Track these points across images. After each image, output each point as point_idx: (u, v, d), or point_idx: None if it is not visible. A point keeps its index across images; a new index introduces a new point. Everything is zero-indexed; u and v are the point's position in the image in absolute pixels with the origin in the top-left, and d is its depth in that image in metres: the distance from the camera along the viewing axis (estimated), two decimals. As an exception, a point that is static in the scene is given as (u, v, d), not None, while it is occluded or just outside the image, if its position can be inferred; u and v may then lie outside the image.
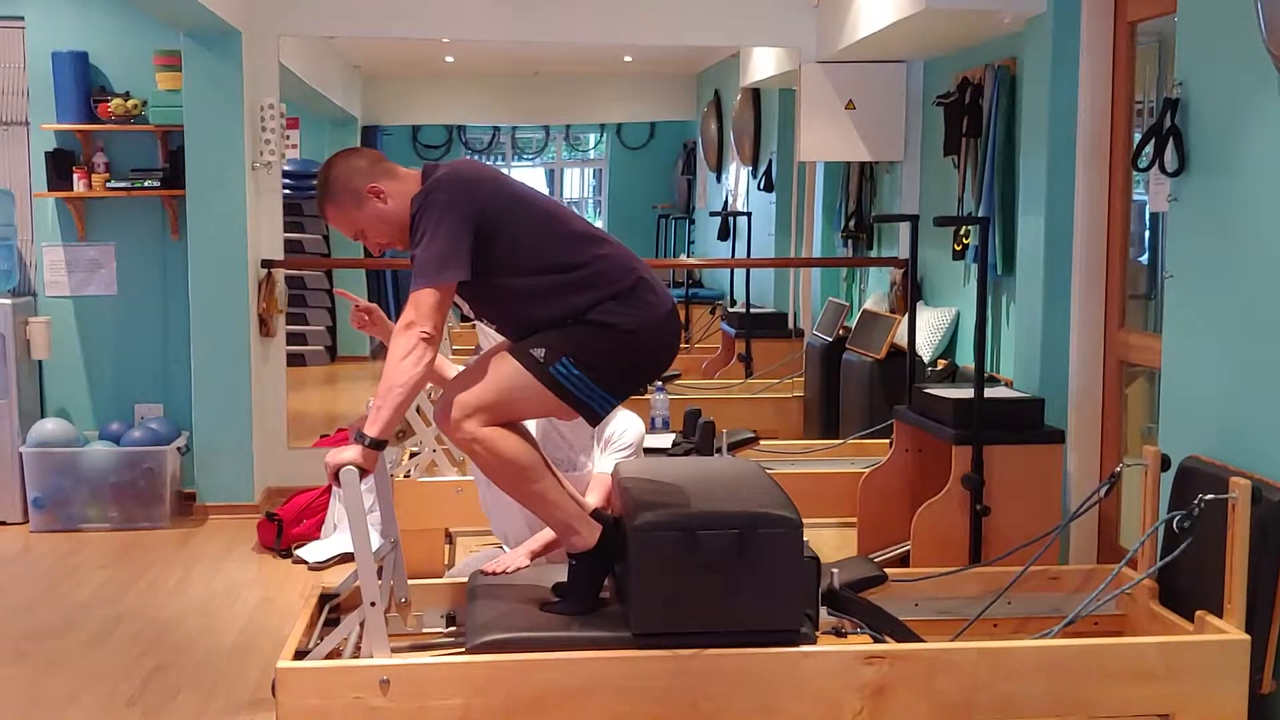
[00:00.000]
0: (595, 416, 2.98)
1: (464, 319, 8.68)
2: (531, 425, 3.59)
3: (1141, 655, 3.02)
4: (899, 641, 3.11)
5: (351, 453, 2.79)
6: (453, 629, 3.26)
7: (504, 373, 2.90)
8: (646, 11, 6.32)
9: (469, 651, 2.88)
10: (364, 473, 2.79)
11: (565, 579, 3.04)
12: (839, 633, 3.10)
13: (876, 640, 3.10)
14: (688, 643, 2.87)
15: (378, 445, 2.81)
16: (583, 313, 2.90)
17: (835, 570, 3.21)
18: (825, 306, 7.10)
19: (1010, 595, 3.54)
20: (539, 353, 2.88)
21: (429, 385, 4.10)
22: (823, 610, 3.08)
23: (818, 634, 3.00)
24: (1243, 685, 3.01)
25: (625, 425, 3.77)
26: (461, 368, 3.28)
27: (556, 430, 3.64)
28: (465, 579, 3.33)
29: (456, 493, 4.58)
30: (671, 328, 3.02)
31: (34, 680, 4.00)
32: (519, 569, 3.25)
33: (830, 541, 5.14)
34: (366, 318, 3.49)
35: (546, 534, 3.27)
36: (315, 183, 3.07)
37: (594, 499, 3.33)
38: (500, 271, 2.90)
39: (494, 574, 3.24)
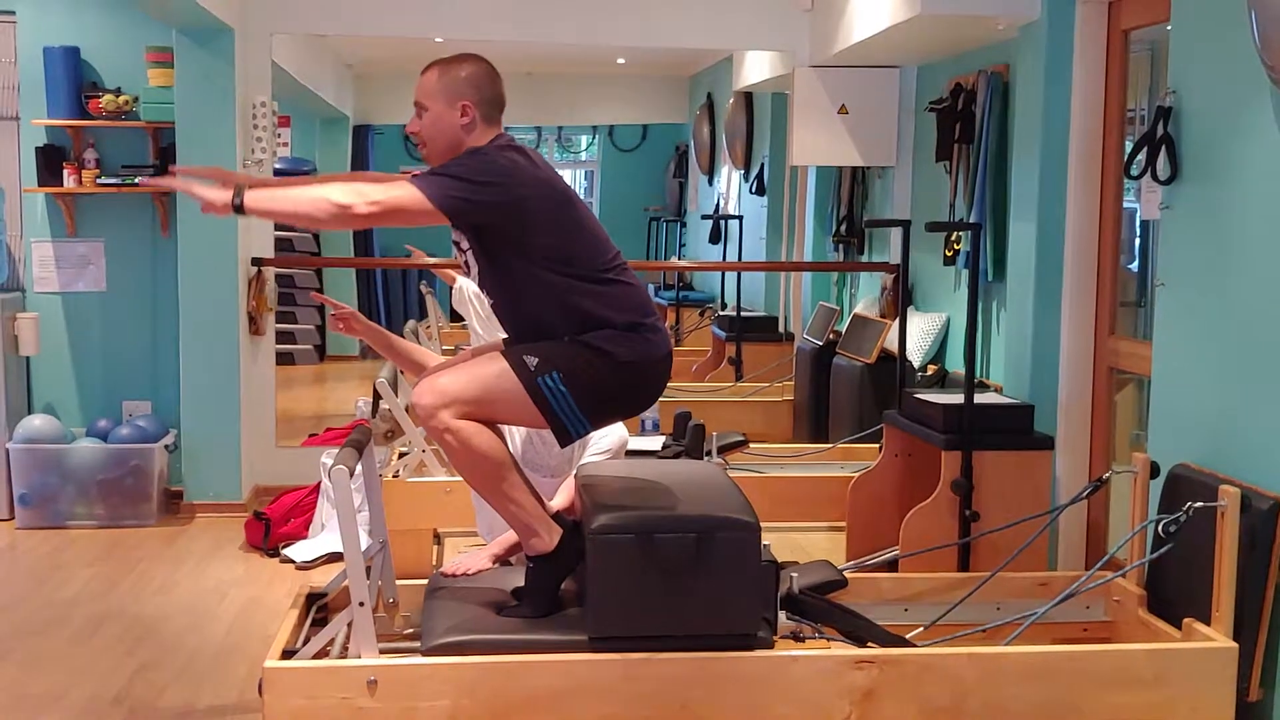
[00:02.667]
0: (566, 437, 2.97)
1: (454, 318, 8.67)
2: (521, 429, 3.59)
3: (1130, 662, 3.03)
4: (874, 642, 3.11)
5: (220, 196, 2.75)
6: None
7: (491, 371, 2.89)
8: (640, 13, 6.33)
9: (425, 653, 2.87)
10: (211, 207, 2.74)
11: (523, 582, 3.02)
12: (797, 637, 3.09)
13: (858, 645, 3.09)
14: (645, 646, 2.86)
15: (239, 211, 2.76)
16: (585, 330, 2.89)
17: (794, 574, 3.20)
18: (816, 310, 7.11)
19: (999, 601, 3.55)
20: (532, 360, 2.87)
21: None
22: (781, 614, 3.08)
23: (775, 638, 2.99)
24: (1230, 693, 3.02)
25: (606, 429, 3.76)
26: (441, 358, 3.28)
27: (539, 435, 3.63)
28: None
29: (445, 493, 4.57)
30: (664, 370, 3.02)
31: (19, 678, 3.98)
32: (480, 571, 3.24)
33: (820, 545, 5.15)
34: (341, 326, 3.47)
35: (510, 537, 3.26)
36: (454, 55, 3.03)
37: (560, 501, 3.32)
38: (528, 255, 2.89)
39: (454, 575, 3.22)
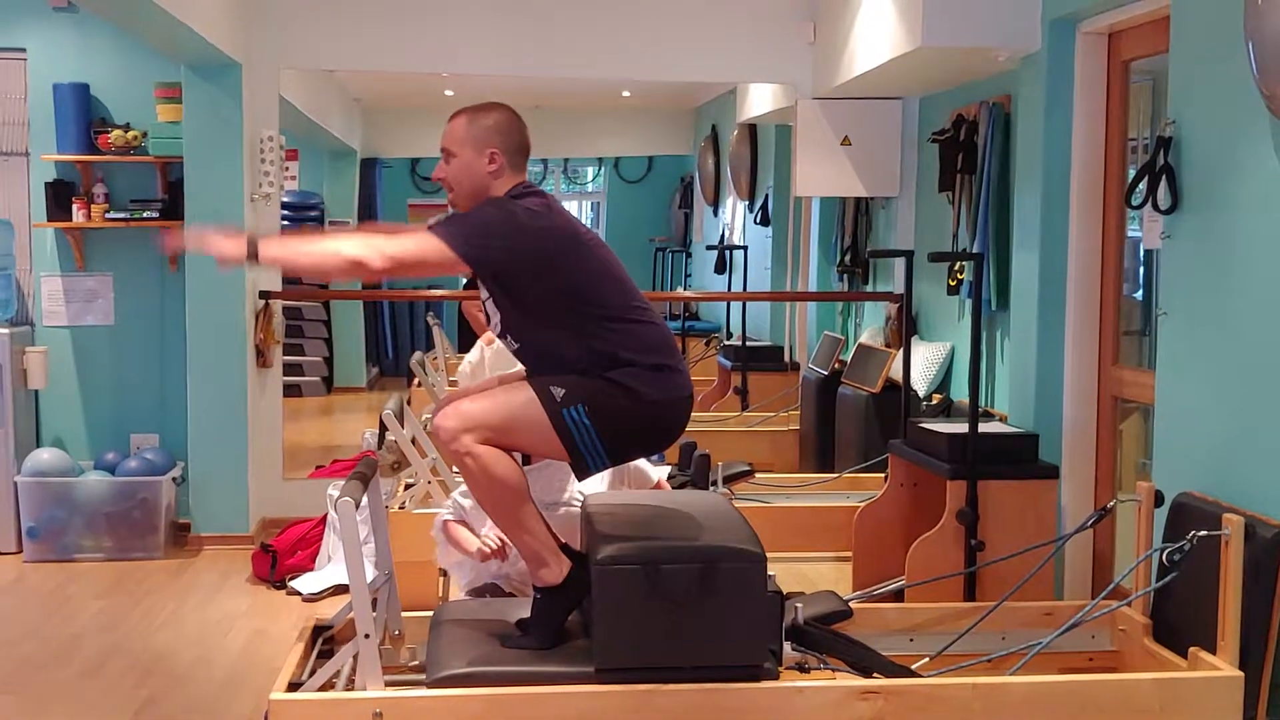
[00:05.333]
0: (585, 470, 2.99)
1: (461, 349, 8.68)
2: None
3: (1136, 691, 3.02)
4: (879, 672, 3.11)
5: (234, 246, 2.77)
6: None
7: (517, 399, 2.91)
8: (645, 47, 6.38)
9: (431, 685, 2.87)
10: (226, 258, 2.77)
11: (529, 614, 3.02)
12: (802, 668, 3.09)
13: (864, 675, 3.09)
14: (650, 678, 2.86)
15: (254, 258, 2.77)
16: (610, 368, 2.91)
17: (799, 605, 3.21)
18: (821, 340, 7.12)
19: (1005, 631, 3.54)
20: (558, 391, 2.89)
21: (425, 416, 4.11)
22: (787, 645, 3.08)
23: (781, 669, 2.99)
24: (1237, 722, 3.01)
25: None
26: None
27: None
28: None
29: (452, 525, 4.57)
30: (685, 411, 3.04)
31: (27, 711, 3.99)
32: (484, 553, 3.27)
33: (826, 575, 5.15)
34: None
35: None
36: (480, 105, 3.08)
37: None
38: (550, 298, 2.92)
39: (456, 545, 3.21)
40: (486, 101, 3.10)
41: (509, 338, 3.06)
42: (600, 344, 2.92)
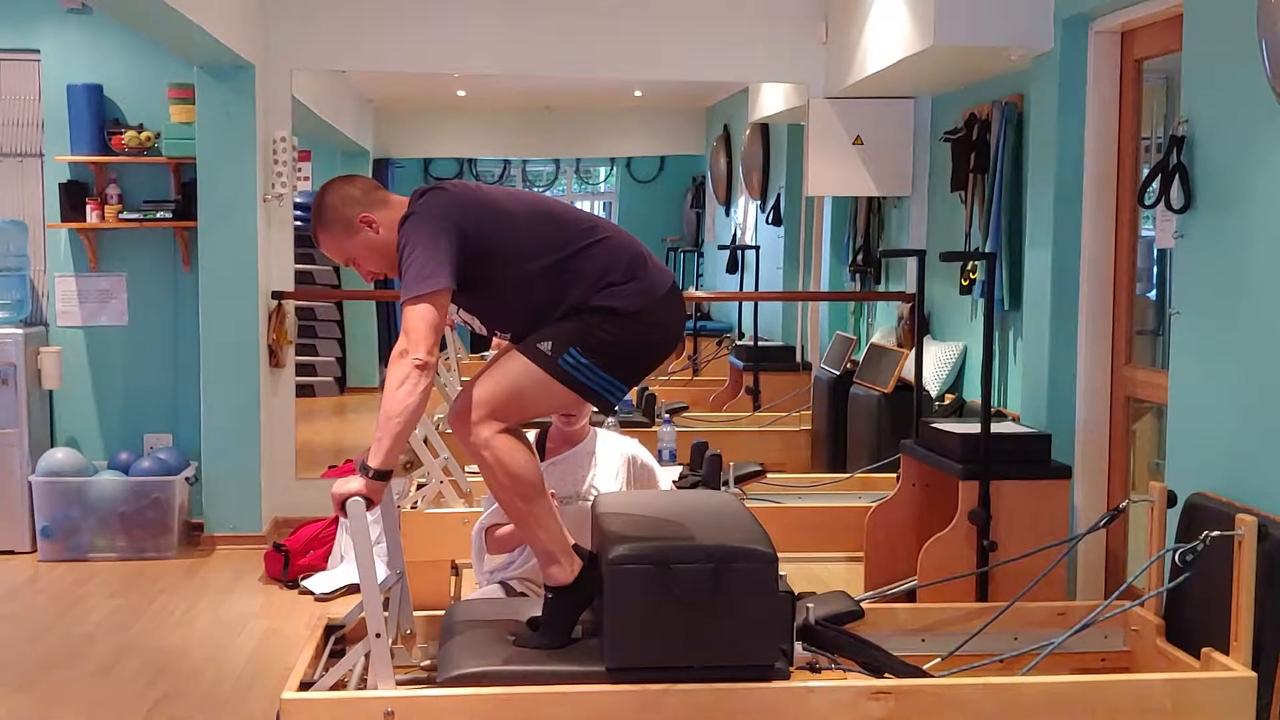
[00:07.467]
0: (608, 405, 2.97)
1: (474, 349, 8.70)
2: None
3: (1148, 692, 3.01)
4: (891, 672, 3.10)
5: (356, 484, 2.79)
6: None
7: (514, 370, 2.90)
8: (657, 47, 6.38)
9: (441, 684, 2.87)
10: (370, 503, 2.80)
11: (540, 613, 3.02)
12: (813, 668, 3.08)
13: (875, 675, 3.09)
14: (662, 677, 2.85)
15: (381, 475, 2.80)
16: (584, 301, 2.88)
17: (810, 605, 3.20)
18: (833, 340, 7.11)
19: (1017, 631, 3.53)
20: (545, 346, 2.87)
21: (437, 415, 4.12)
22: (798, 645, 3.07)
23: (792, 669, 2.98)
24: (1250, 723, 3.00)
25: (612, 463, 3.78)
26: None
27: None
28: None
29: (463, 524, 4.57)
30: (674, 304, 2.99)
31: (41, 710, 4.00)
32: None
33: (838, 575, 5.14)
34: None
35: None
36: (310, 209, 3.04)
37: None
38: (500, 279, 2.90)
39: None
40: (313, 201, 3.03)
41: (496, 333, 3.05)
42: (564, 283, 2.88)
